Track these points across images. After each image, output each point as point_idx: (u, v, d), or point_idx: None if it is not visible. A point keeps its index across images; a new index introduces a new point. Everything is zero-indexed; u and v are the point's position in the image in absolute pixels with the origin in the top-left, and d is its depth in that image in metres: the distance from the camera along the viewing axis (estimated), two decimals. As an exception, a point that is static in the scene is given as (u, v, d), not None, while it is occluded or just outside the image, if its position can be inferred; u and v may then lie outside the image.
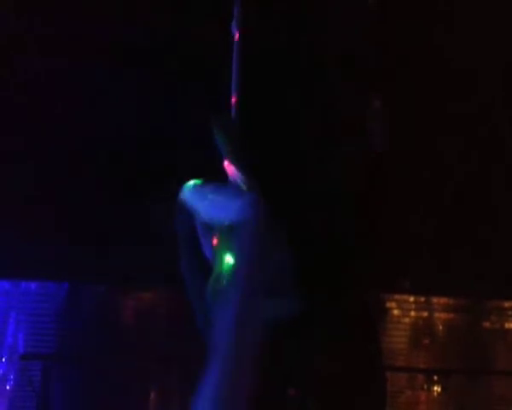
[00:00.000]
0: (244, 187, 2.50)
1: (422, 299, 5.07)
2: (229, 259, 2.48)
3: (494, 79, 4.49)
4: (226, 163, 2.53)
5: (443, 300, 5.09)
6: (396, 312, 5.02)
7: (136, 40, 4.26)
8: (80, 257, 4.39)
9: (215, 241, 2.56)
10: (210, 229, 2.58)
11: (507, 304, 5.15)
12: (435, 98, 4.38)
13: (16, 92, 4.35)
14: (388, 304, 4.97)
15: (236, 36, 2.61)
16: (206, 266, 2.61)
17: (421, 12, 4.29)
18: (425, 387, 5.02)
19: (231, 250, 2.47)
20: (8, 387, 4.54)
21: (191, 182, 2.61)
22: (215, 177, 2.56)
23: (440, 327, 5.11)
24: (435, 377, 5.03)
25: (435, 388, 5.02)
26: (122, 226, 4.49)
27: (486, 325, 5.15)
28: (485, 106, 4.47)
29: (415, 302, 5.07)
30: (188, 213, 2.57)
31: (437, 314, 5.11)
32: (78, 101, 4.44)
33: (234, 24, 2.66)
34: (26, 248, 4.38)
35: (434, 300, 5.09)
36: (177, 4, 4.30)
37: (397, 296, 4.99)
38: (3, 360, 4.55)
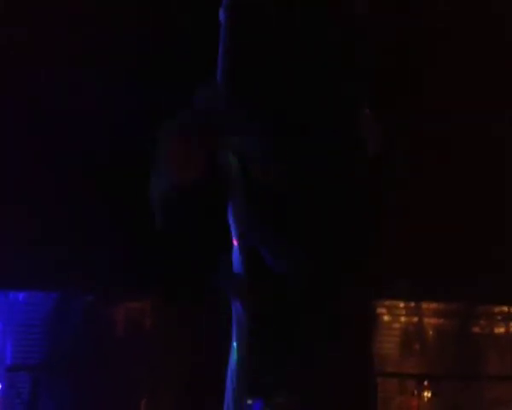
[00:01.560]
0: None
1: (412, 304, 5.08)
2: None
3: (494, 86, 4.51)
4: None
5: (433, 305, 5.10)
6: (386, 318, 5.03)
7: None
8: (68, 267, 4.36)
9: None
10: None
11: (497, 309, 5.17)
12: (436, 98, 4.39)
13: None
14: (378, 310, 4.97)
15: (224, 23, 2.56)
16: None
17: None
18: (416, 392, 5.03)
19: None
20: (-5, 399, 4.50)
21: None
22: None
23: (431, 332, 5.12)
24: (426, 383, 5.03)
25: (426, 393, 5.02)
26: (111, 236, 4.46)
27: (476, 329, 5.16)
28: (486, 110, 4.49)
29: (405, 308, 5.08)
30: None
31: (427, 320, 5.12)
32: (59, 112, 4.42)
33: (222, 11, 2.60)
34: (13, 258, 4.34)
35: (424, 305, 5.10)
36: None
37: (387, 302, 5.00)
38: (-9, 372, 4.51)
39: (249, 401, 2.30)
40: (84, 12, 4.25)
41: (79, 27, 4.26)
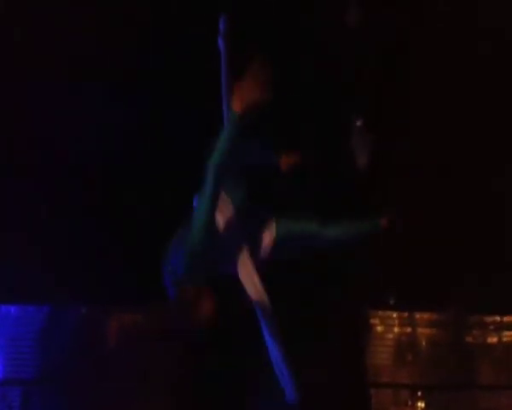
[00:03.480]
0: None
1: (406, 315, 5.08)
2: None
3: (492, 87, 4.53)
4: None
5: (426, 315, 5.10)
6: (379, 328, 5.03)
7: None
8: (60, 279, 4.34)
9: None
10: None
11: (489, 319, 5.17)
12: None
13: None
14: (372, 320, 4.97)
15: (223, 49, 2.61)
16: None
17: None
18: (409, 403, 5.02)
19: None
20: (-13, 413, 4.46)
21: None
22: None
23: (424, 343, 5.12)
24: (419, 393, 5.03)
25: (420, 403, 5.02)
26: (103, 248, 4.45)
27: (469, 339, 5.16)
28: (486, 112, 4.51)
29: (398, 318, 5.08)
30: None
31: (420, 330, 5.12)
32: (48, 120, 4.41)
33: (221, 38, 2.65)
34: (5, 272, 4.33)
35: (417, 315, 5.10)
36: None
37: (380, 313, 4.99)
38: (-17, 386, 4.48)
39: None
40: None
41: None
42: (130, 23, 4.26)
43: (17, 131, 4.38)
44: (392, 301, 4.76)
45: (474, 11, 4.41)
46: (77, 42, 4.25)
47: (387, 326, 5.05)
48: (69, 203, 4.46)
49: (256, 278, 2.39)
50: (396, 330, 5.07)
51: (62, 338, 4.57)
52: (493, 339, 5.18)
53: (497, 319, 5.16)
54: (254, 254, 2.49)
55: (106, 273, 4.41)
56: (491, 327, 5.18)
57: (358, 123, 2.68)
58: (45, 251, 4.39)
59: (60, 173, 4.46)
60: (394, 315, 5.05)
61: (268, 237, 2.54)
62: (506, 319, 5.15)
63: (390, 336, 5.05)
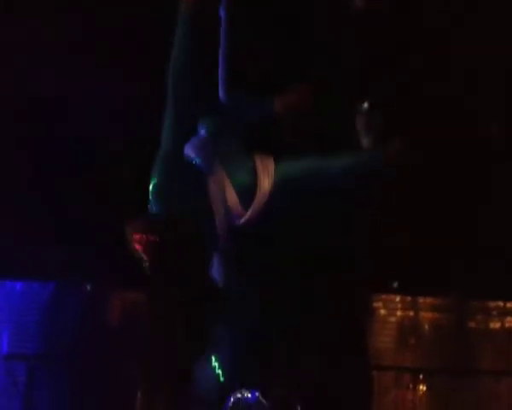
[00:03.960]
0: None
1: (409, 299, 5.09)
2: None
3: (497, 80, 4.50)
4: None
5: (429, 300, 5.11)
6: (382, 311, 5.04)
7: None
8: (65, 256, 4.36)
9: None
10: None
11: (492, 304, 5.17)
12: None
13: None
14: (375, 304, 4.98)
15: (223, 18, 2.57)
16: None
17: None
18: (411, 386, 5.04)
19: None
20: (-8, 387, 4.51)
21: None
22: None
23: (426, 327, 5.13)
24: (421, 377, 5.05)
25: (421, 387, 5.04)
26: (107, 225, 4.47)
27: (472, 324, 5.17)
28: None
29: (401, 302, 5.09)
30: None
31: (423, 314, 5.13)
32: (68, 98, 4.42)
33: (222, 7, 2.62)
34: (11, 248, 4.35)
35: (421, 300, 5.11)
36: None
37: (383, 296, 5.01)
38: (-13, 360, 4.52)
39: (246, 392, 2.31)
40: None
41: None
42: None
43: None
44: (395, 285, 4.77)
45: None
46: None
47: (390, 310, 5.06)
48: (75, 181, 4.48)
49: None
50: (399, 313, 5.08)
51: (67, 314, 4.60)
52: (496, 325, 5.19)
53: (501, 304, 5.16)
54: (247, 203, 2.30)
55: (112, 251, 4.43)
56: (494, 313, 5.18)
57: (365, 105, 2.66)
58: (52, 228, 4.41)
59: (66, 150, 4.47)
60: (397, 299, 5.06)
61: (266, 182, 2.34)
62: (509, 304, 5.15)
63: (393, 319, 5.06)
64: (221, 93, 2.44)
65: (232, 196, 2.28)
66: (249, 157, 2.35)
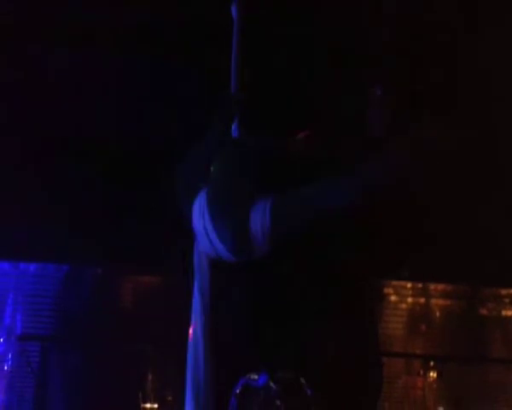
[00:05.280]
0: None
1: (420, 285, 5.08)
2: None
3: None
4: None
5: (440, 286, 5.11)
6: (393, 298, 5.04)
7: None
8: (79, 239, 4.39)
9: None
10: None
11: (504, 292, 5.16)
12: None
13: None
14: (386, 290, 4.98)
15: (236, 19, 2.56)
16: None
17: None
18: (421, 373, 5.05)
19: None
20: (6, 367, 4.56)
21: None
22: None
23: (437, 313, 5.13)
24: (432, 363, 5.05)
25: (431, 373, 5.05)
26: (122, 209, 4.49)
27: (483, 312, 5.16)
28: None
29: (412, 288, 5.09)
30: None
31: (434, 301, 5.13)
32: (81, 86, 4.42)
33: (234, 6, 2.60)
34: (25, 230, 4.38)
35: (432, 286, 5.10)
36: None
37: (394, 282, 5.01)
38: (1, 340, 4.56)
39: (254, 376, 2.33)
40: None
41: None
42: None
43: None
44: (406, 272, 4.76)
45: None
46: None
47: (401, 296, 5.07)
48: (92, 167, 4.50)
49: None
50: (410, 300, 5.09)
51: (80, 297, 4.64)
52: (508, 312, 5.18)
53: (513, 292, 5.16)
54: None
55: (124, 234, 4.45)
56: (506, 300, 5.18)
57: (378, 92, 2.64)
58: (66, 211, 4.44)
59: (85, 133, 4.49)
60: (408, 285, 5.06)
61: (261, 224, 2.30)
62: (521, 292, 5.15)
63: (403, 306, 5.06)
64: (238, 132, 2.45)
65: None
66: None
